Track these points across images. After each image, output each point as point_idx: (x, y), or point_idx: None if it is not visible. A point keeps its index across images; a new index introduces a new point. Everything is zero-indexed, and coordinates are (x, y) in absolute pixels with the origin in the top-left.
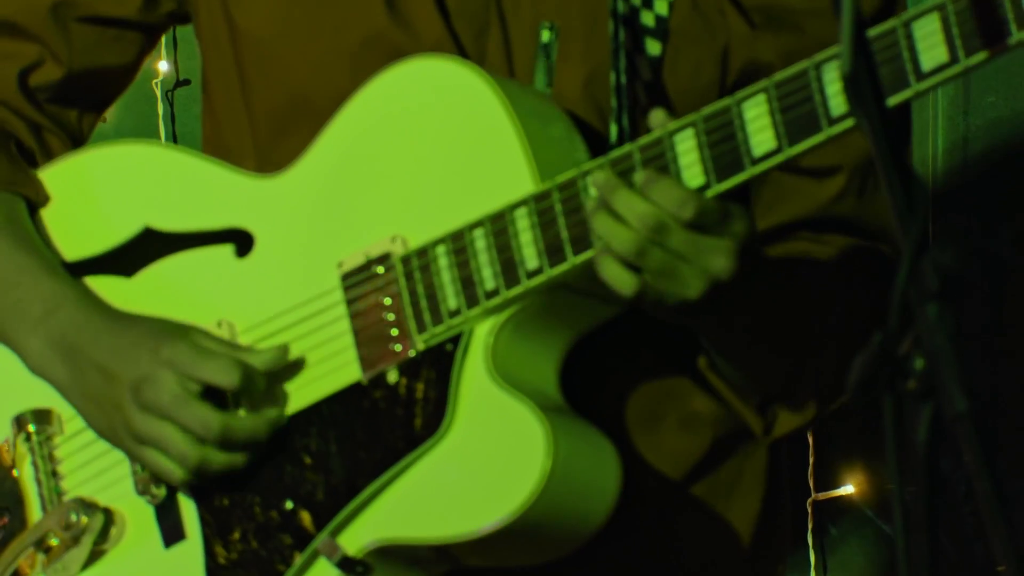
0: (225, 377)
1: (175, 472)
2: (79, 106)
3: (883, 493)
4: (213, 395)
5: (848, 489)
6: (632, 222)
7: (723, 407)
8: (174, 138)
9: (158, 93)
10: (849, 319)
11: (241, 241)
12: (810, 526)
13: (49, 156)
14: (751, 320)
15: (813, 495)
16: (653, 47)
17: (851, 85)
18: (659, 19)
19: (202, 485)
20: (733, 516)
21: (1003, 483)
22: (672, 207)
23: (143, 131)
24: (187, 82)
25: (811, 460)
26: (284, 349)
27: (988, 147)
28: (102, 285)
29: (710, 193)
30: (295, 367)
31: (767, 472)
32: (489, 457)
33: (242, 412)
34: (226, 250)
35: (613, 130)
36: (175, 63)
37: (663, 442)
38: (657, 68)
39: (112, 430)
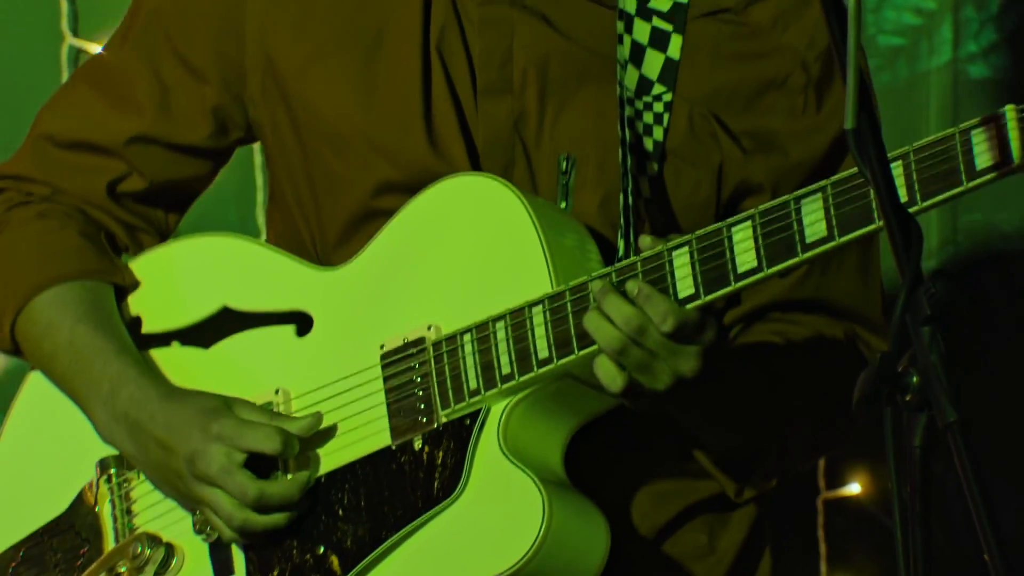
0: (268, 444)
1: (225, 530)
2: (164, 207)
3: (884, 492)
4: (258, 462)
5: (854, 488)
6: (617, 322)
7: (700, 477)
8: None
9: (256, 161)
10: (814, 397)
11: (302, 322)
12: (820, 520)
13: (142, 250)
14: (712, 407)
15: (823, 493)
16: (652, 168)
17: (856, 138)
18: (656, 144)
19: (249, 542)
20: (706, 571)
21: (987, 483)
22: (657, 318)
23: (241, 183)
24: None
25: (822, 463)
26: (318, 416)
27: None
28: (182, 355)
29: (697, 304)
30: (336, 430)
31: (743, 545)
32: (493, 519)
33: (279, 478)
34: (289, 329)
35: (621, 245)
36: None
37: (644, 507)
38: (656, 185)
39: (175, 492)
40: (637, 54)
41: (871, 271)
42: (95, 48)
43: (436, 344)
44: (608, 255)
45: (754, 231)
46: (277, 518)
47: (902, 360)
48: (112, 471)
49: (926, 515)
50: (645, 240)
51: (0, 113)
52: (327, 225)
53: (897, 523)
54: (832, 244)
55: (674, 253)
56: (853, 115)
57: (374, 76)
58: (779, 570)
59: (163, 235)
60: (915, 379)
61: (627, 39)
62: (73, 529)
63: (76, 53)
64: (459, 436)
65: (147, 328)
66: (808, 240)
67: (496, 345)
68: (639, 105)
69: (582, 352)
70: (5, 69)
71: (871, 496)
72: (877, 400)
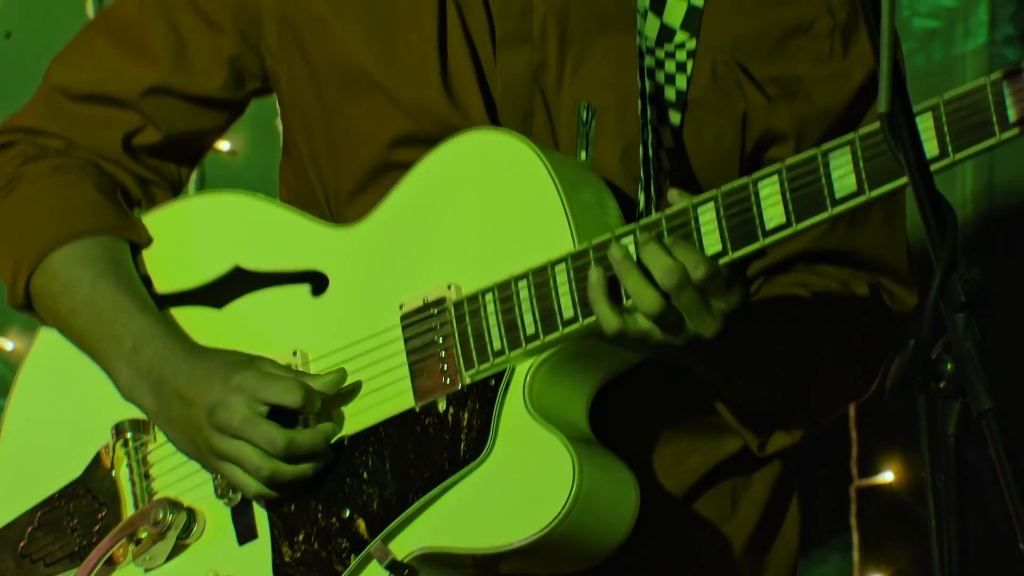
0: (289, 396)
1: (250, 484)
2: (177, 161)
3: (918, 480)
4: (279, 417)
5: (887, 476)
6: (657, 275)
7: (723, 433)
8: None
9: (280, 129)
10: (837, 348)
11: (317, 282)
12: (853, 509)
13: (154, 204)
14: (736, 359)
15: (856, 481)
16: (675, 118)
17: (889, 122)
18: (679, 93)
19: (275, 497)
20: (731, 533)
21: (1023, 470)
22: (689, 266)
23: (268, 162)
24: None
25: (854, 451)
26: (343, 372)
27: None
28: (195, 315)
29: (725, 260)
30: (358, 392)
31: (767, 503)
32: (522, 481)
33: (304, 428)
34: (304, 289)
35: (641, 198)
36: None
37: (668, 463)
38: (678, 136)
39: (195, 449)
40: (658, 2)
41: (896, 221)
42: None
43: (458, 304)
44: (629, 208)
45: (781, 185)
46: (305, 467)
47: (936, 347)
48: (128, 435)
49: (961, 503)
50: (673, 193)
51: (25, 73)
52: (342, 178)
53: (931, 512)
54: (862, 198)
55: (699, 209)
56: (887, 99)
57: (390, 27)
58: (803, 537)
59: (176, 189)
60: (949, 366)
61: None
62: (90, 494)
63: (100, 7)
64: (484, 397)
65: (159, 287)
66: (838, 195)
67: (519, 304)
68: (660, 54)
69: None
70: (30, 29)
71: (904, 484)
72: (911, 387)
